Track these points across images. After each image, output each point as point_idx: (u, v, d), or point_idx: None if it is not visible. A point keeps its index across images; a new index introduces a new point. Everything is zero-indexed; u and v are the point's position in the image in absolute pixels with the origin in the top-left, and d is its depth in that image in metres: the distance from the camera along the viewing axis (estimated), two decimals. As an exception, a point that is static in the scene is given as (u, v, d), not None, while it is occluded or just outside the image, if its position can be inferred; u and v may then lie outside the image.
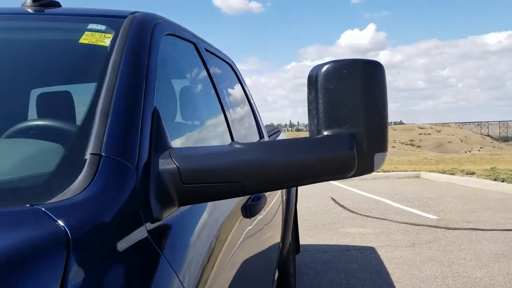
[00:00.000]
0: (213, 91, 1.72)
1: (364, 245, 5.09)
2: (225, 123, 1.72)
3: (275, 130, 3.76)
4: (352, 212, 7.07)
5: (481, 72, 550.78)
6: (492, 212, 6.70)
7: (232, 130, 1.73)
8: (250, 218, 1.53)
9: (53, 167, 0.80)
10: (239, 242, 1.34)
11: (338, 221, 6.41)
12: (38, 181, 0.80)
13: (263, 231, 1.82)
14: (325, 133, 0.92)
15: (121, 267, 0.68)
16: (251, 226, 1.56)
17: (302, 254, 4.44)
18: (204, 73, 1.71)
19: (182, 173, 0.86)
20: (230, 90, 2.19)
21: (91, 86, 0.98)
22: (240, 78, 2.61)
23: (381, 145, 0.93)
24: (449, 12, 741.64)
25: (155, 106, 1.01)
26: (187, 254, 0.92)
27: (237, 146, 0.92)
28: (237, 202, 1.42)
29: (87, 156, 0.78)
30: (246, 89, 2.65)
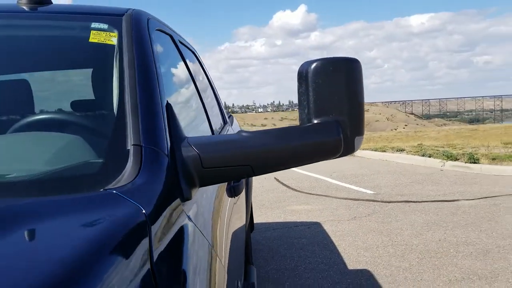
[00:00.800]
0: (191, 80, 1.84)
1: (310, 220, 5.41)
2: (202, 108, 1.85)
3: (228, 114, 3.90)
4: (296, 190, 7.41)
5: (405, 53, 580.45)
6: (422, 185, 7.29)
7: (209, 114, 1.87)
8: (234, 198, 1.68)
9: (100, 157, 0.91)
10: (226, 217, 1.50)
11: (283, 199, 6.70)
12: (93, 170, 0.90)
13: (240, 209, 1.98)
14: (315, 121, 1.07)
15: (176, 234, 0.83)
16: (234, 205, 1.71)
17: (254, 232, 4.65)
18: (183, 63, 1.82)
19: (202, 159, 0.99)
20: (200, 77, 2.29)
21: (110, 84, 1.08)
22: (203, 64, 2.71)
23: (360, 130, 1.11)
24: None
25: (167, 100, 1.12)
26: (204, 223, 1.08)
27: (245, 134, 1.06)
28: (222, 184, 1.56)
29: (129, 147, 0.89)
30: (208, 75, 2.76)
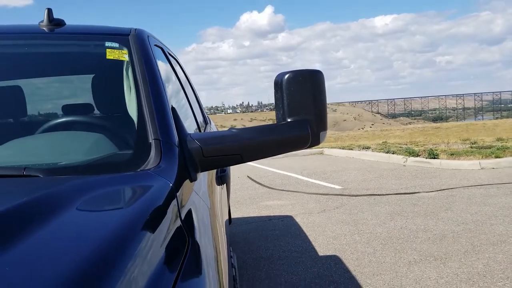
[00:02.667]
0: (181, 86, 2.13)
1: (283, 214, 5.74)
2: (190, 110, 2.14)
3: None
4: (268, 187, 7.74)
5: (370, 53, 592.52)
6: (385, 180, 7.75)
7: (196, 114, 2.16)
8: (221, 186, 1.98)
9: (130, 148, 1.20)
10: (216, 197, 1.79)
11: (257, 196, 7.03)
12: (126, 157, 1.19)
13: (224, 197, 2.28)
14: (289, 120, 1.37)
15: (190, 200, 1.12)
16: (221, 191, 2.01)
17: (231, 226, 4.94)
18: (173, 72, 2.10)
19: (203, 150, 1.28)
20: (184, 82, 2.58)
21: (129, 93, 1.36)
22: (184, 70, 2.99)
23: (324, 126, 1.42)
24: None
25: (171, 104, 1.41)
26: (204, 197, 1.37)
27: (234, 130, 1.36)
28: (212, 174, 1.86)
29: (151, 141, 1.19)
30: (189, 79, 3.05)
